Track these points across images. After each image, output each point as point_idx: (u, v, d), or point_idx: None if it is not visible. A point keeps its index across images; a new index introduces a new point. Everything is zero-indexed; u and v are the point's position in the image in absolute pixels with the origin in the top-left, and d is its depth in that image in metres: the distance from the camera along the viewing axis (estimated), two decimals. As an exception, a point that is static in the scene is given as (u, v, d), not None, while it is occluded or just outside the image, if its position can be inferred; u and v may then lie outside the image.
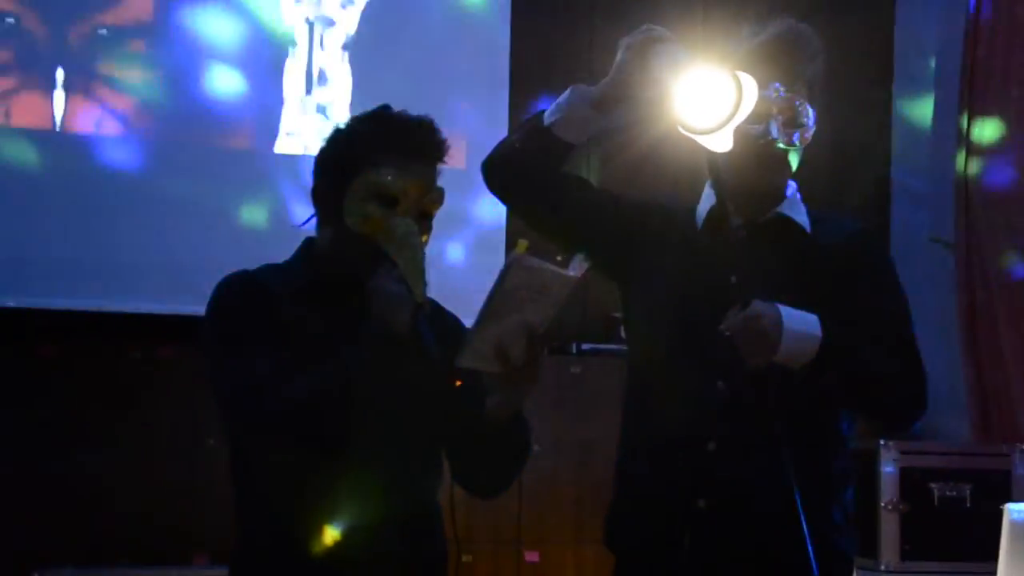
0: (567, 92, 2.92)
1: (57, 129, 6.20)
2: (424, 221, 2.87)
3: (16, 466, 5.67)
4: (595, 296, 5.89)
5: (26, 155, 6.07)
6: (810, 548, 2.83)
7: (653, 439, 3.05)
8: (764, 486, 2.87)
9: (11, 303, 6.08)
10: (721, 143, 2.82)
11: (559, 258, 2.81)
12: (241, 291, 2.95)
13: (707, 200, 3.06)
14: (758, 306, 2.74)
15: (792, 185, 3.06)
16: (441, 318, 3.06)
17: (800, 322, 2.79)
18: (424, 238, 2.90)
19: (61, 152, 6.17)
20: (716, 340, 2.79)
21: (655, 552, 3.03)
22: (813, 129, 2.91)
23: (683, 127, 2.77)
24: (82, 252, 6.03)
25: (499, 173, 3.12)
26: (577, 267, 2.71)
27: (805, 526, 2.82)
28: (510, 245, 5.74)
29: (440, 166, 2.97)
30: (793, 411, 2.82)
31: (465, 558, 5.83)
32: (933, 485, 5.20)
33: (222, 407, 2.82)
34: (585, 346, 6.16)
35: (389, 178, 2.87)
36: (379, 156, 2.89)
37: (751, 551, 2.92)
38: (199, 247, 5.72)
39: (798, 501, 2.80)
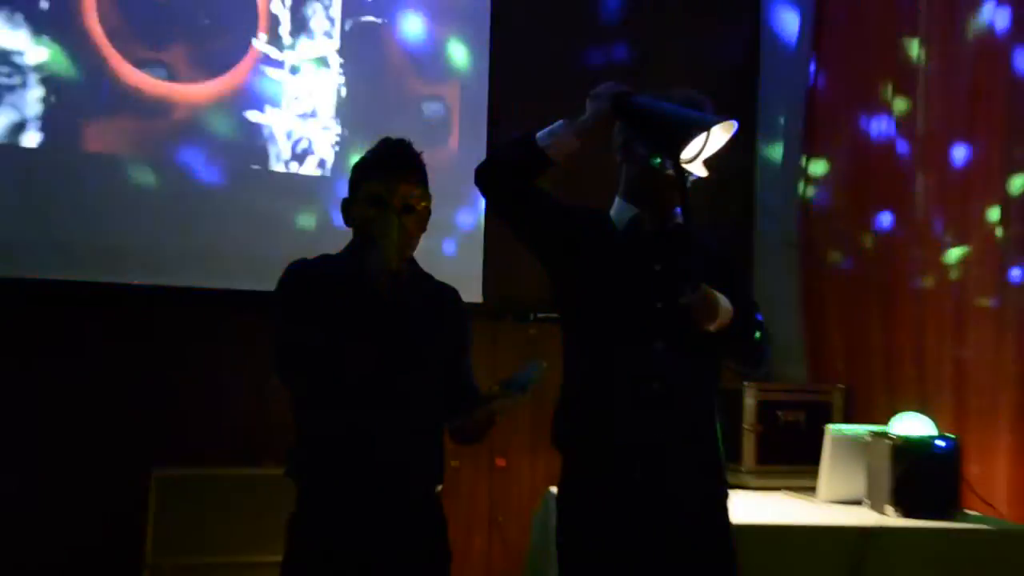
0: (560, 122, 2.98)
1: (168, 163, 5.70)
2: (410, 213, 3.01)
3: (142, 383, 5.61)
4: (546, 278, 6.21)
5: (144, 177, 5.68)
6: (720, 444, 3.09)
7: (597, 372, 3.09)
8: (689, 396, 3.03)
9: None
10: (701, 170, 3.06)
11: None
12: (292, 275, 3.07)
13: (621, 210, 3.15)
14: (705, 289, 2.87)
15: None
16: (433, 287, 3.21)
17: (724, 299, 2.91)
18: (414, 221, 3.03)
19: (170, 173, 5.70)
20: (653, 311, 2.95)
21: (590, 446, 3.08)
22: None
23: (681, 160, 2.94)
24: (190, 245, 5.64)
25: (491, 174, 3.12)
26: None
27: (717, 426, 3.08)
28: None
29: (420, 171, 3.07)
30: (706, 358, 3.04)
31: (454, 463, 5.87)
32: (779, 412, 5.28)
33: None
34: (539, 315, 6.11)
35: (375, 186, 3.01)
36: (371, 172, 3.05)
37: (676, 446, 2.99)
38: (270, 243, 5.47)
39: (714, 409, 3.08)
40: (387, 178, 3.01)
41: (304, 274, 3.08)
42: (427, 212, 3.10)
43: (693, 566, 3.00)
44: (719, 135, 2.96)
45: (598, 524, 3.03)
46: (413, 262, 3.15)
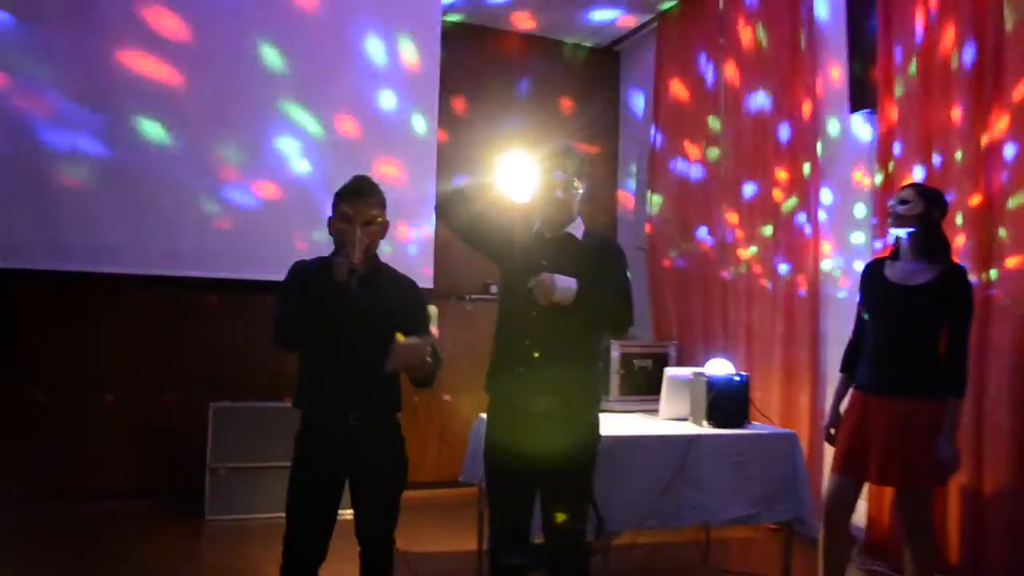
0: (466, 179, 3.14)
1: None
2: (368, 225, 2.94)
3: (204, 344, 5.77)
4: (478, 271, 6.17)
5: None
6: (586, 382, 3.08)
7: (505, 337, 3.12)
8: (556, 347, 2.99)
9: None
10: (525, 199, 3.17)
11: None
12: (292, 271, 3.03)
13: (536, 223, 3.14)
14: (543, 274, 2.91)
15: (578, 217, 3.13)
16: (394, 275, 3.12)
17: (564, 281, 2.90)
18: (373, 230, 2.95)
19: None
20: (531, 291, 2.95)
21: (496, 387, 3.12)
22: (580, 192, 3.08)
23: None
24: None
25: (441, 215, 3.14)
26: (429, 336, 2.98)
27: (584, 370, 3.06)
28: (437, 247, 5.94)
29: (376, 196, 2.99)
30: (567, 322, 2.96)
31: (415, 399, 5.98)
32: (635, 361, 5.28)
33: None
34: (473, 296, 6.27)
35: (345, 207, 2.95)
36: (342, 198, 2.97)
37: (558, 381, 2.99)
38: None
39: (579, 358, 3.03)
40: (353, 203, 2.95)
41: (298, 271, 3.02)
42: (385, 224, 3.02)
43: (560, 460, 2.96)
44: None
45: (502, 437, 3.06)
46: (376, 258, 3.04)
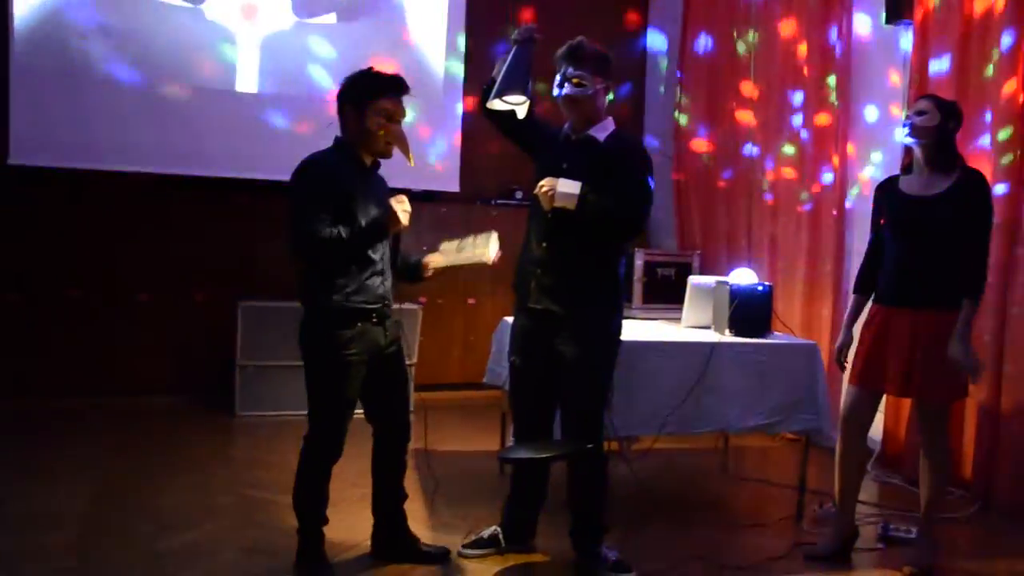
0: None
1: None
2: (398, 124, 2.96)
3: (231, 246, 5.81)
4: (504, 176, 6.09)
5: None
6: (599, 283, 3.08)
7: (528, 238, 3.16)
8: (569, 250, 3.03)
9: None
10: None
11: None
12: (313, 178, 2.88)
13: (566, 124, 3.15)
14: (545, 179, 2.94)
15: (607, 118, 3.09)
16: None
17: (567, 186, 2.90)
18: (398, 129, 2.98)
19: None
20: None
21: (522, 285, 3.15)
22: (599, 90, 3.02)
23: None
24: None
25: (486, 112, 3.18)
26: (494, 254, 3.04)
27: (598, 271, 3.07)
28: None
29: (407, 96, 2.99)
30: (579, 226, 2.96)
31: (439, 301, 6.00)
32: (659, 269, 5.42)
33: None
34: (498, 201, 6.20)
35: (387, 103, 2.92)
36: (381, 92, 2.92)
37: (570, 282, 3.03)
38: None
39: (590, 260, 3.04)
40: (395, 99, 2.94)
41: (320, 177, 2.88)
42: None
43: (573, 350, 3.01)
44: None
45: (520, 337, 3.17)
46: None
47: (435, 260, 3.20)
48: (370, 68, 3.00)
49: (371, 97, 2.94)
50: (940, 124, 3.19)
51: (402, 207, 2.90)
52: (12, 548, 3.16)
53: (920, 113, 3.22)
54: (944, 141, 3.22)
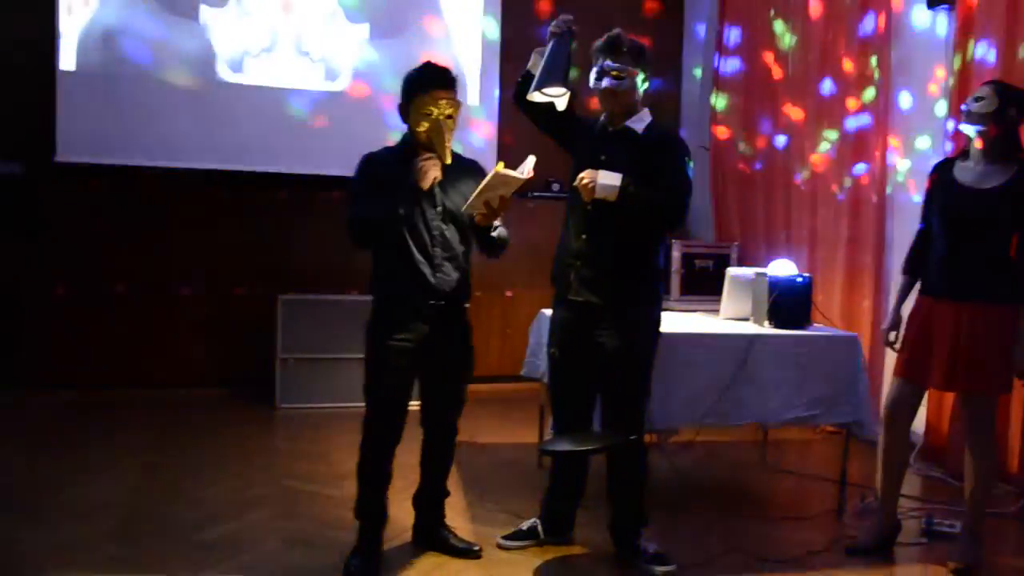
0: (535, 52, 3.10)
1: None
2: (449, 119, 2.92)
3: (274, 240, 5.86)
4: (540, 168, 6.17)
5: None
6: (638, 274, 3.05)
7: (567, 230, 3.14)
8: (609, 242, 3.01)
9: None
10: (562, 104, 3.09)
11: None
12: (362, 166, 2.98)
13: (602, 116, 3.13)
14: (586, 171, 2.92)
15: (643, 109, 3.08)
16: (465, 165, 3.08)
17: (608, 177, 2.89)
18: (451, 123, 2.93)
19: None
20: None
21: (562, 277, 3.14)
22: (637, 78, 3.00)
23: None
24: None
25: (519, 104, 3.18)
26: (526, 171, 2.87)
27: (636, 262, 3.03)
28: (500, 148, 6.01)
29: (457, 88, 2.95)
30: (620, 218, 2.95)
31: (477, 294, 6.03)
32: (696, 261, 5.28)
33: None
34: (535, 194, 6.17)
35: (428, 99, 2.90)
36: (424, 87, 2.91)
37: (609, 274, 3.02)
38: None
39: (630, 251, 3.02)
40: (436, 93, 2.90)
41: (368, 165, 2.97)
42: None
43: (613, 344, 2.99)
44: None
45: (559, 330, 3.15)
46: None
47: (470, 203, 3.01)
48: (427, 62, 3.00)
49: (416, 91, 2.94)
50: (998, 110, 3.06)
51: (428, 161, 2.87)
52: (58, 536, 3.21)
53: (977, 99, 3.11)
54: (1005, 130, 3.08)
